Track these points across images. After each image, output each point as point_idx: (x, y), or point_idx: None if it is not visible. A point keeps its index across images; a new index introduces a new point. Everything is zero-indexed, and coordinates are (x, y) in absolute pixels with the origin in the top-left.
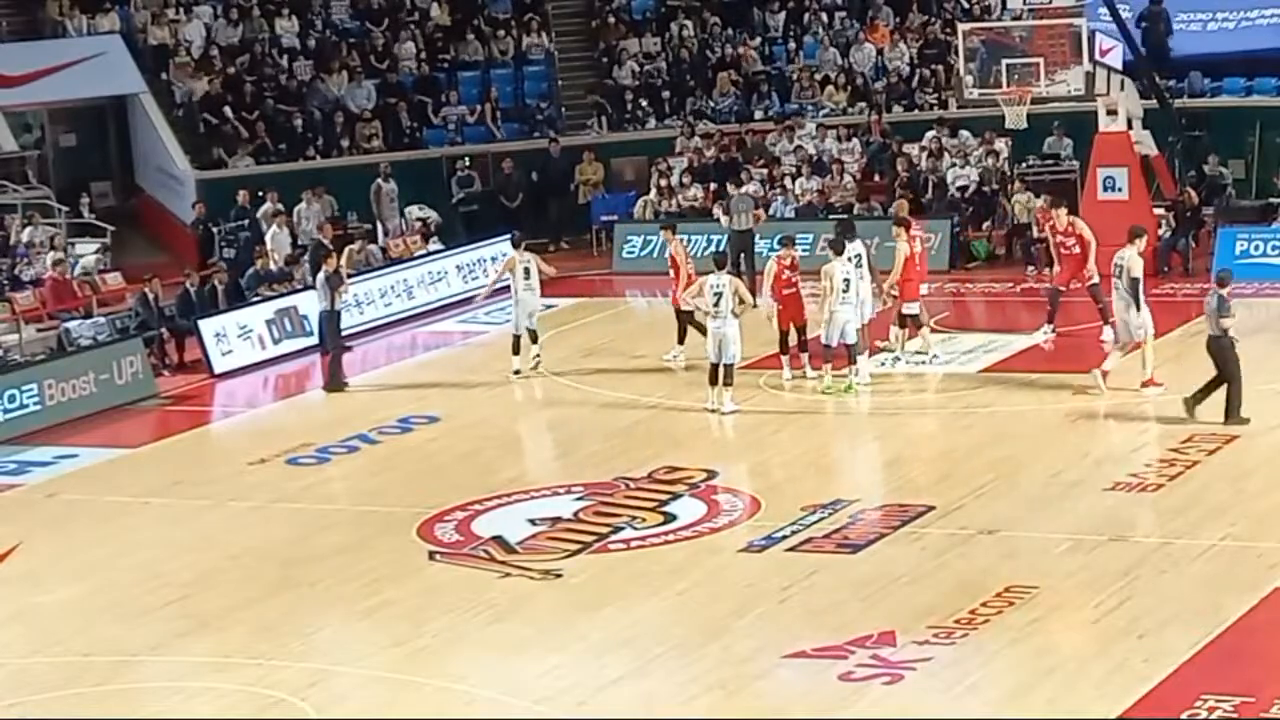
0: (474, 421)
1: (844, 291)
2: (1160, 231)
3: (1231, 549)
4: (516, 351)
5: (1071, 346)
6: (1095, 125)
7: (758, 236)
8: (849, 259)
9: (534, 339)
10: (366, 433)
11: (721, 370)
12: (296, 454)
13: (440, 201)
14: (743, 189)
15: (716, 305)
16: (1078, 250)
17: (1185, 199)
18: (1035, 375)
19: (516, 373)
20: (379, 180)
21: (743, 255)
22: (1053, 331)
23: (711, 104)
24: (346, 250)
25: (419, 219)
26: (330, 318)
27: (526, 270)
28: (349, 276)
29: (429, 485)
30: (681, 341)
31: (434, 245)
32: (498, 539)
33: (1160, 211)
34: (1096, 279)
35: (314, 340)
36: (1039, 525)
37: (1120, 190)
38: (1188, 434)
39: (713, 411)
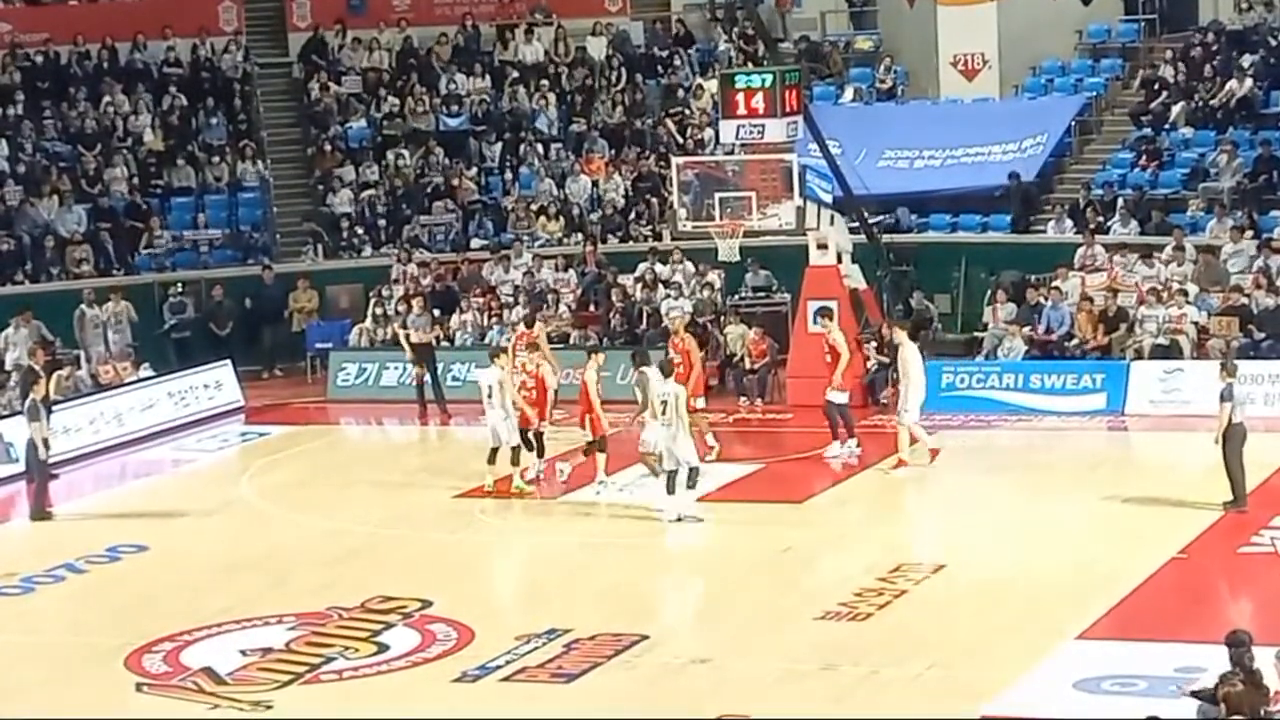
0: (184, 550)
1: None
2: (869, 364)
3: (937, 677)
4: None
5: (781, 476)
6: (806, 259)
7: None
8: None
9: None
10: (73, 561)
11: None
12: (0, 584)
13: (152, 327)
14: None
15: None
16: (829, 360)
17: (884, 334)
18: (748, 504)
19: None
20: (83, 306)
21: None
22: (858, 445)
23: (428, 232)
24: (55, 376)
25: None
26: (35, 445)
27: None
28: (55, 404)
29: (137, 615)
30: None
31: (145, 372)
32: (208, 670)
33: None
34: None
35: (20, 468)
36: (751, 654)
37: None
38: (895, 564)
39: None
